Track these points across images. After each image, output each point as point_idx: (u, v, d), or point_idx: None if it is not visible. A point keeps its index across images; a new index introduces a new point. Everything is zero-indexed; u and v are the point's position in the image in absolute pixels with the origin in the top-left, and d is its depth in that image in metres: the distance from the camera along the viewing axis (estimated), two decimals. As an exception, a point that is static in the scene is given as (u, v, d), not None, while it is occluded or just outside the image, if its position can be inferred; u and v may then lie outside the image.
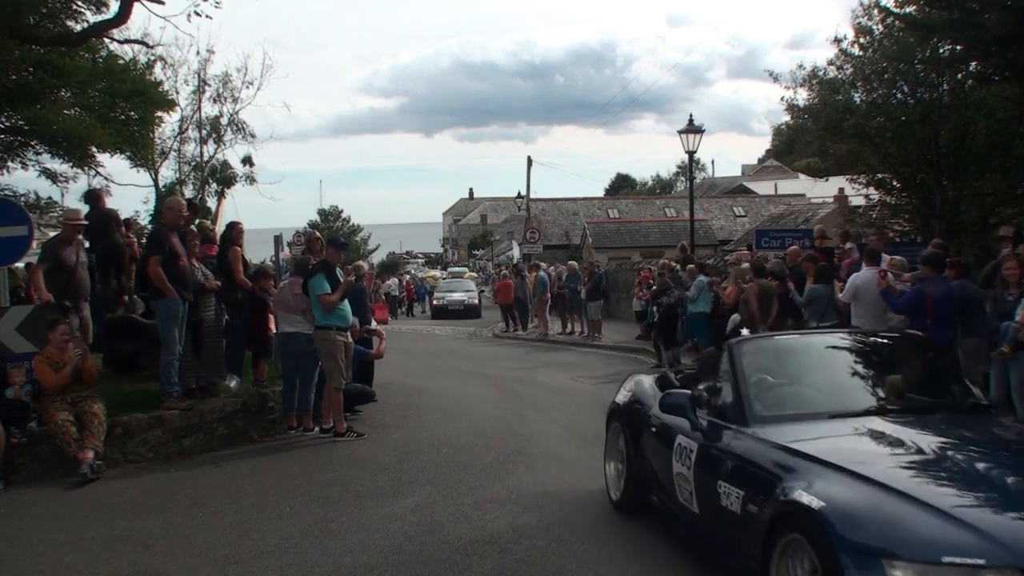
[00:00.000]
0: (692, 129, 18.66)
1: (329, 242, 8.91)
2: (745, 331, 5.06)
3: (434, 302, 32.26)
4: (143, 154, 20.63)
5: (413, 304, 36.00)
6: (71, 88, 14.65)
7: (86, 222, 9.07)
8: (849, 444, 3.88)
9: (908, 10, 14.00)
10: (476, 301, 31.07)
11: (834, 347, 5.12)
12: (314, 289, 8.05)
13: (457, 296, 31.34)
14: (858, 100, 16.15)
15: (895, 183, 17.18)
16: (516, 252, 38.77)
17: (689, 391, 4.74)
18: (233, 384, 8.59)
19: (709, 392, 4.72)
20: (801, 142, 53.32)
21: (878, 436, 3.95)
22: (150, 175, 22.63)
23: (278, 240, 11.90)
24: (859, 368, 4.91)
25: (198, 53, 25.37)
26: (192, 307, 7.91)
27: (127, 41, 15.21)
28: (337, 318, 8.15)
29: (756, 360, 4.66)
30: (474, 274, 49.57)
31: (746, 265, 11.78)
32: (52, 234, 17.78)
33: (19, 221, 7.90)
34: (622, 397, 5.96)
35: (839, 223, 18.97)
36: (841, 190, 25.89)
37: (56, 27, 11.79)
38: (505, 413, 9.74)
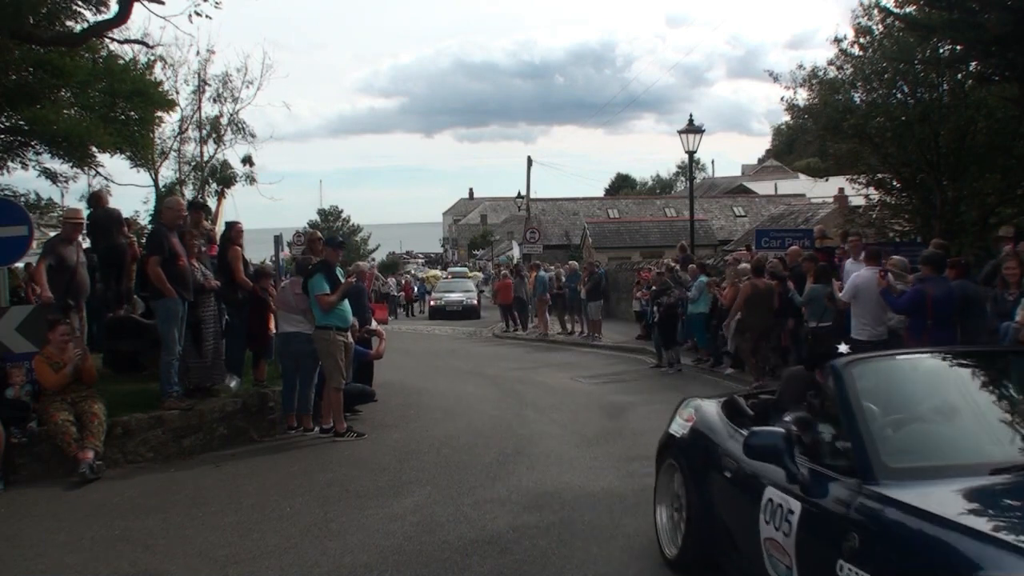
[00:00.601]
0: (692, 129, 18.68)
1: (327, 242, 8.92)
2: (844, 347, 3.95)
3: (431, 302, 31.54)
4: (143, 154, 20.61)
5: (413, 304, 35.95)
6: (71, 88, 14.64)
7: (87, 220, 9.05)
8: None
9: (908, 10, 14.02)
10: (475, 301, 30.40)
11: (978, 369, 3.94)
12: (313, 289, 8.06)
13: (455, 296, 30.68)
14: (858, 100, 16.17)
15: (895, 183, 17.20)
16: (516, 252, 38.74)
17: (782, 429, 3.50)
18: (233, 384, 8.59)
19: (802, 427, 3.63)
20: (801, 142, 53.35)
21: None
22: (150, 175, 22.63)
23: (278, 240, 11.88)
24: (1017, 400, 3.79)
25: (198, 53, 25.33)
26: (191, 307, 7.91)
27: (127, 41, 15.21)
28: (337, 318, 8.15)
29: (874, 387, 3.58)
30: (477, 273, 49.35)
31: (743, 265, 11.83)
32: (52, 234, 17.78)
33: (19, 221, 7.90)
34: (679, 428, 4.86)
35: (839, 223, 18.99)
36: (841, 190, 25.90)
37: (56, 27, 11.78)
38: (505, 413, 9.75)
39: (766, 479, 3.59)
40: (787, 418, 3.87)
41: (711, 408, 4.74)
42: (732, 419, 4.46)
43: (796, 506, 3.34)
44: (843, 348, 3.97)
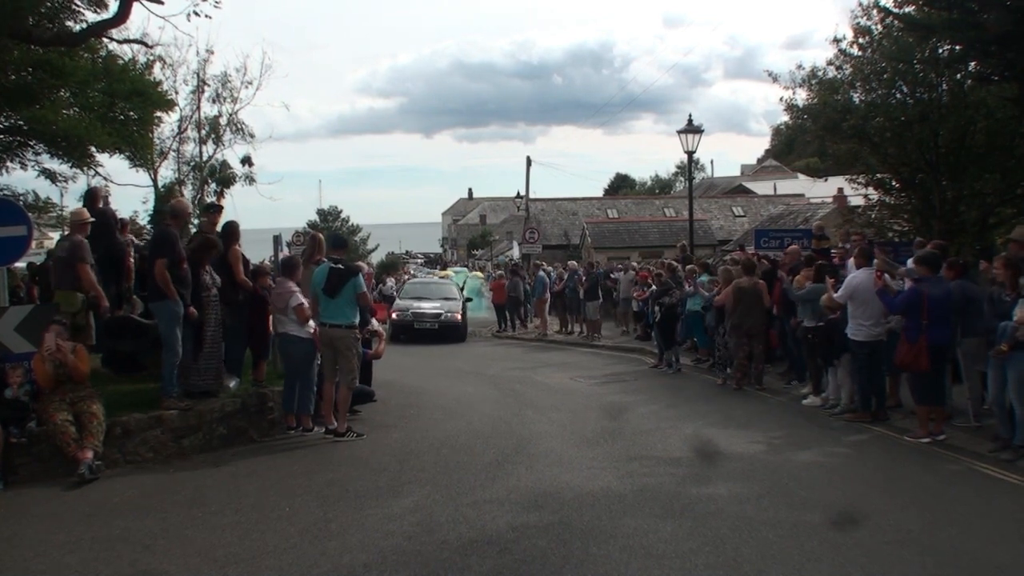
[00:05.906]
0: (691, 129, 18.70)
1: (334, 241, 8.93)
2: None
3: (392, 315, 20.29)
4: (142, 154, 20.62)
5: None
6: (71, 88, 14.64)
7: (92, 219, 8.94)
8: None
9: (907, 10, 14.04)
10: (459, 315, 20.61)
11: None
12: (357, 289, 8.25)
13: (429, 308, 20.52)
14: (857, 100, 16.16)
15: (894, 183, 17.19)
16: (516, 252, 38.72)
17: None
18: (232, 384, 8.59)
19: None
20: (800, 142, 53.39)
21: None
22: (149, 175, 22.72)
23: (277, 240, 11.86)
24: None
25: (197, 53, 25.46)
26: (197, 308, 7.92)
27: (126, 41, 15.29)
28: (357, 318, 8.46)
29: None
30: (477, 273, 48.58)
31: (726, 268, 11.96)
32: (52, 234, 17.75)
33: (19, 221, 7.90)
34: None
35: (839, 223, 18.99)
36: (840, 190, 25.92)
37: (56, 27, 11.80)
38: (505, 413, 9.74)
39: None
40: None
41: None
42: None
43: None
44: None
